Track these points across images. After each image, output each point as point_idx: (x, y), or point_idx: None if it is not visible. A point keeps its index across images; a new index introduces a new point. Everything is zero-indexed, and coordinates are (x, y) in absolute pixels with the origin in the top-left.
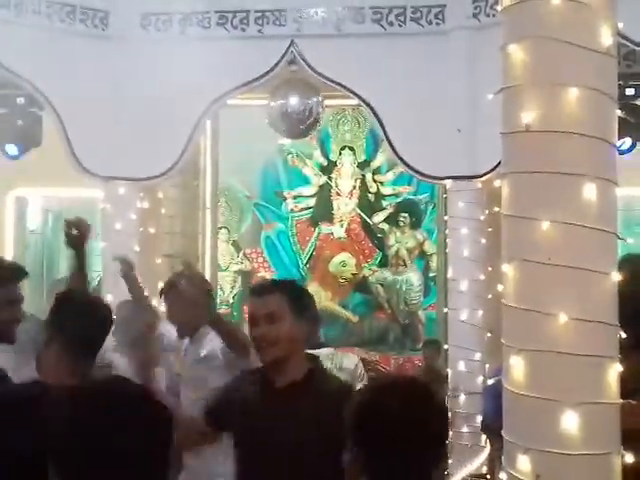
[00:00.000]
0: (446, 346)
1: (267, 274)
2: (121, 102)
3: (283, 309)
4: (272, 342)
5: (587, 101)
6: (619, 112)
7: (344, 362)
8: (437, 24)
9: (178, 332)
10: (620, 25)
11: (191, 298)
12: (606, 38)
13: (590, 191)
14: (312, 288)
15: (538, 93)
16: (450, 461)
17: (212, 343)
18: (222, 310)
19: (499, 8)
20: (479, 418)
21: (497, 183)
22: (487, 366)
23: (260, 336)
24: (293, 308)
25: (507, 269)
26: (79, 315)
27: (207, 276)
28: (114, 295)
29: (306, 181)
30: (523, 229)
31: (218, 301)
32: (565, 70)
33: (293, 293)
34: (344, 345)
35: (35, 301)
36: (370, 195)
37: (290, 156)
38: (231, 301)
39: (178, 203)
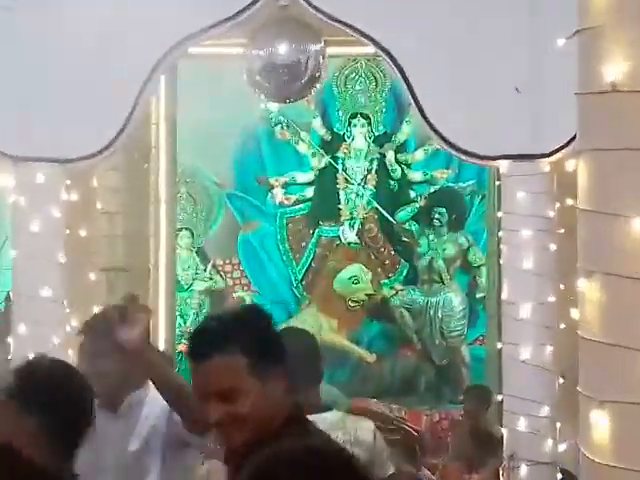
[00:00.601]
0: (500, 396)
1: (246, 295)
2: (39, 55)
3: (242, 379)
4: (236, 426)
5: None
6: None
7: (359, 432)
8: None
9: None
10: None
11: (124, 352)
12: None
13: None
14: (310, 315)
15: (628, 37)
16: None
17: (149, 421)
18: (183, 347)
19: None
20: None
21: (571, 165)
22: (559, 425)
23: (217, 420)
24: (261, 370)
25: (585, 288)
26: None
27: (162, 298)
28: (27, 324)
29: (301, 163)
30: (608, 230)
31: (177, 333)
32: None
33: (258, 344)
34: (355, 395)
35: None
36: (392, 183)
37: (279, 127)
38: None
39: (120, 195)
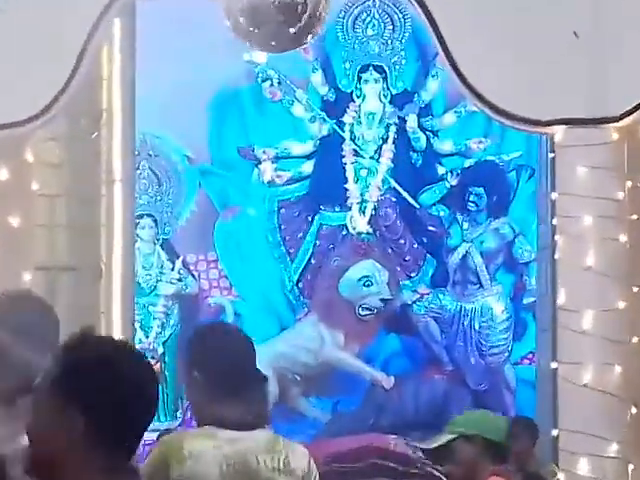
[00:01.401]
0: (554, 431)
1: (226, 299)
2: None
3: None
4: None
5: None
6: None
7: (290, 458)
8: None
9: None
10: None
11: None
12: None
13: None
14: (308, 326)
15: None
16: None
17: None
18: None
19: None
20: None
21: None
22: (631, 468)
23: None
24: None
25: None
26: None
27: (117, 304)
28: None
29: (297, 130)
30: None
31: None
32: None
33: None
34: (369, 430)
35: None
36: (414, 155)
37: (267, 84)
38: (160, 350)
39: (63, 172)
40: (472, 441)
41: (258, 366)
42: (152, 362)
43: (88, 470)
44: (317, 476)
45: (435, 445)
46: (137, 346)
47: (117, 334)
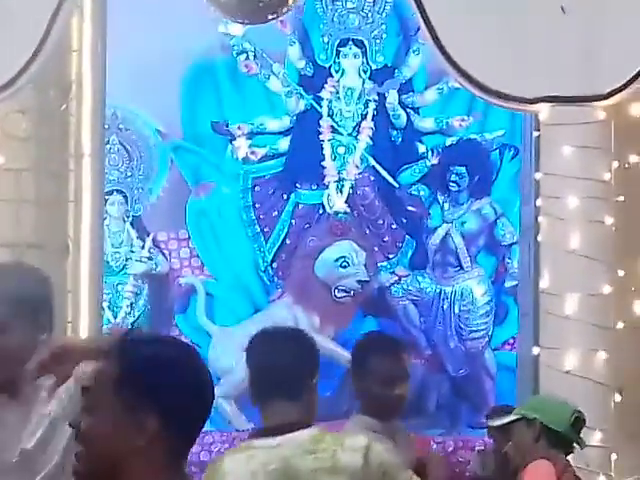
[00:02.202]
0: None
1: (198, 279)
2: None
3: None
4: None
5: None
6: None
7: (340, 455)
8: None
9: None
10: None
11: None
12: None
13: None
14: (283, 308)
15: None
16: None
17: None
18: None
19: None
20: None
21: (637, 110)
22: (614, 458)
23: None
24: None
25: None
26: None
27: (84, 283)
28: None
29: (273, 105)
30: None
31: (105, 330)
32: None
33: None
34: (344, 417)
35: None
36: (394, 132)
37: (242, 57)
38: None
39: (30, 146)
40: (531, 425)
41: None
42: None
43: (155, 473)
44: (381, 464)
45: (499, 423)
46: (104, 327)
47: (84, 314)
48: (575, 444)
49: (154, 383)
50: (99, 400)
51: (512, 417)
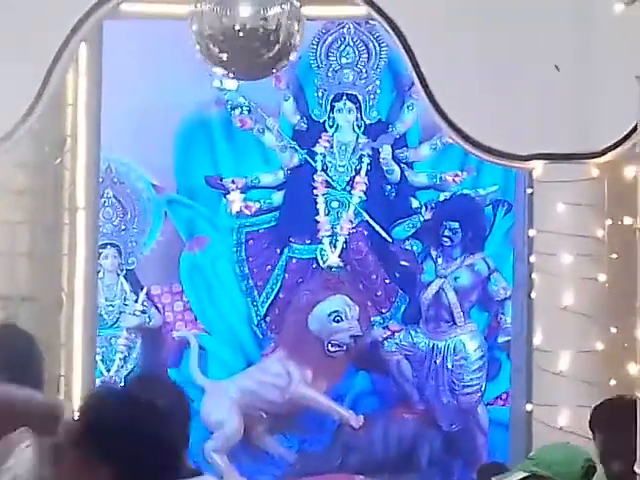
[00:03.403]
0: None
1: (191, 333)
2: None
3: None
4: None
5: None
6: None
7: None
8: None
9: None
10: None
11: None
12: None
13: None
14: (275, 362)
15: None
16: None
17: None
18: None
19: None
20: None
21: (630, 171)
22: None
23: None
24: None
25: None
26: None
27: (78, 336)
28: None
29: (267, 159)
30: None
31: (98, 383)
32: None
33: None
34: (337, 470)
35: None
36: (388, 187)
37: (237, 112)
38: (122, 383)
39: (25, 199)
40: None
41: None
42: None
43: None
44: None
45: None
46: (97, 380)
47: (77, 366)
48: None
49: (109, 438)
50: (63, 452)
51: (522, 474)
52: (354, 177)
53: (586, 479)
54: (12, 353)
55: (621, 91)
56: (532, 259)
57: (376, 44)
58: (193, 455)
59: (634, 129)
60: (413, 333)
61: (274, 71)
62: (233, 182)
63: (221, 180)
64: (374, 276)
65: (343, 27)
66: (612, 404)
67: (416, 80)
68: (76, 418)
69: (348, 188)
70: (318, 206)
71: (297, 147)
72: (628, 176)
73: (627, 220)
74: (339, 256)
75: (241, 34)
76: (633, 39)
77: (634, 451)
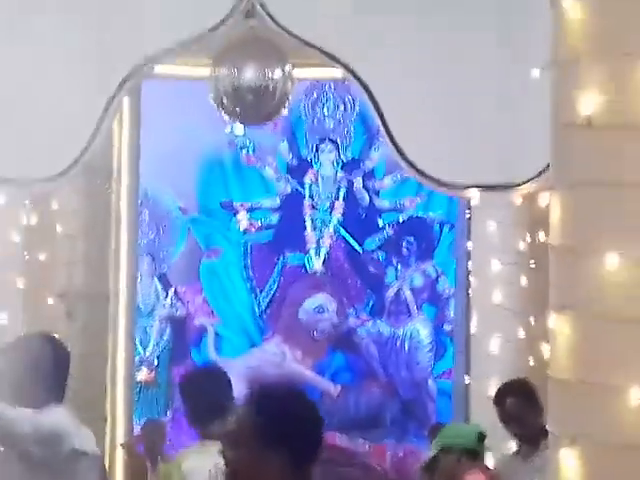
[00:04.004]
0: None
1: (209, 321)
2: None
3: None
4: None
5: None
6: None
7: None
8: None
9: None
10: None
11: None
12: None
13: None
14: (273, 345)
15: (605, 71)
16: None
17: None
18: (143, 375)
19: None
20: None
21: (544, 199)
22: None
23: None
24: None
25: (556, 324)
26: None
27: (121, 324)
28: None
29: (267, 188)
30: (580, 267)
31: (137, 360)
32: None
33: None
34: None
35: None
36: (360, 210)
37: (244, 151)
38: (155, 362)
39: (81, 218)
40: (450, 451)
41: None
42: (149, 371)
43: None
44: None
45: (426, 463)
46: (136, 358)
47: (121, 348)
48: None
49: (279, 428)
50: (240, 440)
51: (434, 452)
52: (334, 202)
53: (480, 442)
54: (50, 363)
55: (540, 137)
56: (469, 266)
57: (350, 99)
58: None
59: (547, 167)
60: (379, 323)
61: (272, 120)
62: (241, 205)
63: (232, 204)
64: (349, 279)
65: (325, 86)
66: (505, 387)
67: (381, 127)
68: (247, 415)
69: (329, 211)
70: (306, 224)
71: (290, 179)
72: (543, 203)
73: (542, 237)
74: (322, 263)
75: (248, 92)
76: (546, 96)
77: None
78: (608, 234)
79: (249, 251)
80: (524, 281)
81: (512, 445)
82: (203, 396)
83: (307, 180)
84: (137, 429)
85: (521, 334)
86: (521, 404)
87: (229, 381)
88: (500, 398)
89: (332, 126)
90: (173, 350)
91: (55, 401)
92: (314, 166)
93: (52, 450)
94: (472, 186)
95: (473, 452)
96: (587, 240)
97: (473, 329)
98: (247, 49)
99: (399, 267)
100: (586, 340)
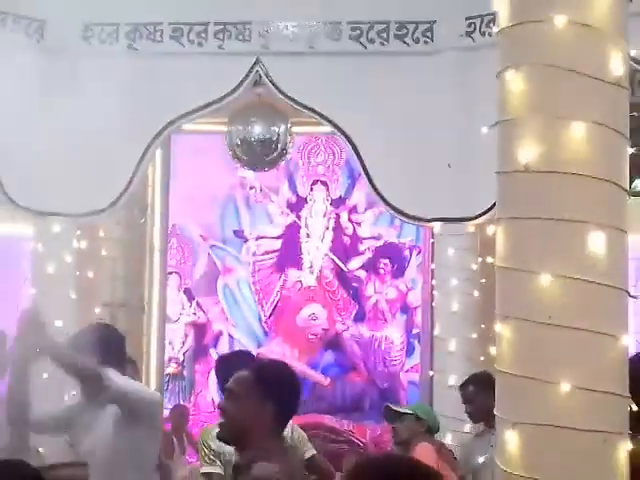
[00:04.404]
0: None
1: (224, 327)
2: (57, 125)
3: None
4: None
5: (594, 138)
6: (631, 150)
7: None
8: (425, 42)
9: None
10: (633, 52)
11: None
12: (617, 66)
13: (597, 241)
14: (276, 345)
15: (539, 128)
16: None
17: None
18: (172, 369)
19: (495, 29)
20: None
21: (491, 229)
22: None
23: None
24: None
25: (501, 329)
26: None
27: (154, 328)
28: None
29: (271, 220)
30: (519, 283)
31: (166, 358)
32: (570, 102)
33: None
34: (312, 412)
35: None
36: (345, 237)
37: (253, 191)
38: (181, 358)
39: (121, 243)
40: (420, 421)
41: None
42: (176, 366)
43: (267, 436)
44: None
45: (399, 410)
46: (166, 356)
47: (154, 348)
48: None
49: (269, 386)
50: (237, 393)
51: (409, 411)
52: (324, 232)
53: (438, 420)
54: (110, 345)
55: (488, 180)
56: (433, 282)
57: (338, 149)
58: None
59: (494, 204)
60: (361, 327)
61: (275, 166)
62: (250, 234)
63: (243, 232)
64: (337, 292)
65: (318, 139)
66: (470, 376)
67: (362, 171)
68: (248, 374)
69: (321, 238)
70: (302, 249)
71: (289, 212)
72: (490, 232)
73: (489, 259)
74: (315, 279)
75: (256, 144)
76: (493, 149)
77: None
78: (541, 257)
79: (256, 270)
80: (476, 294)
81: (468, 427)
82: (233, 372)
83: (303, 214)
84: (166, 412)
85: (474, 336)
86: (477, 390)
87: (253, 358)
88: (464, 384)
89: (323, 171)
90: (195, 349)
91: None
92: (309, 202)
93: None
94: (435, 219)
95: (430, 431)
96: (525, 262)
97: (436, 332)
98: (255, 110)
99: (377, 283)
100: (525, 342)
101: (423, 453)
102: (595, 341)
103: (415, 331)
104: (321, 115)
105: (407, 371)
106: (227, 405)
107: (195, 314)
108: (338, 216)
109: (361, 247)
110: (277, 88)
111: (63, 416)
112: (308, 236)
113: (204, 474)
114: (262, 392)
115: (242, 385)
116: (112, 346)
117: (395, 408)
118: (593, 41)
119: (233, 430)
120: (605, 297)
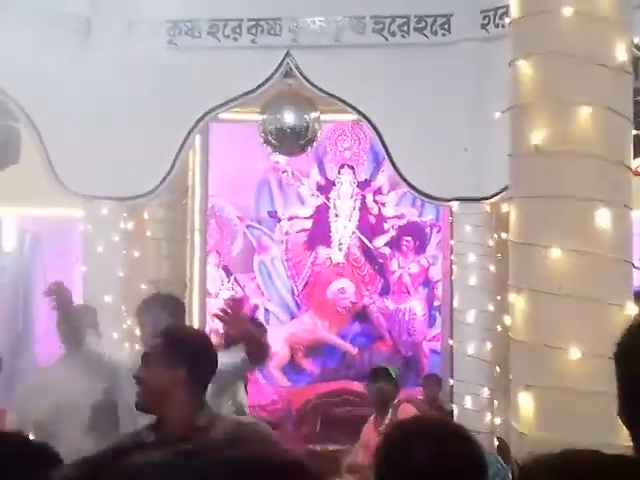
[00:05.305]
0: (451, 381)
1: (259, 301)
2: (104, 115)
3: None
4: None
5: (600, 121)
6: (635, 131)
7: None
8: (443, 35)
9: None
10: (636, 39)
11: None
12: (621, 53)
13: (604, 217)
14: (307, 317)
15: (548, 112)
16: None
17: None
18: (212, 339)
19: (507, 21)
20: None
21: (506, 208)
22: (496, 403)
23: None
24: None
25: (515, 300)
26: None
27: (195, 303)
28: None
29: (302, 202)
30: (531, 257)
31: (207, 330)
32: (577, 88)
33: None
34: (342, 378)
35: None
36: (371, 217)
37: (285, 174)
38: (221, 331)
39: (165, 225)
40: (396, 385)
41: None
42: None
43: (185, 402)
44: None
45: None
46: (207, 327)
47: (195, 321)
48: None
49: (182, 351)
50: (151, 360)
51: (394, 377)
52: (352, 212)
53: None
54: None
55: (503, 161)
56: (452, 258)
57: (363, 135)
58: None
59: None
60: (386, 300)
61: (306, 151)
62: (283, 214)
63: (277, 213)
64: (363, 267)
65: (344, 126)
66: None
67: (385, 155)
68: (161, 340)
69: (348, 218)
70: (331, 228)
71: (319, 194)
72: (504, 210)
73: (504, 235)
74: (343, 256)
75: (288, 131)
76: (506, 132)
77: None
78: (551, 233)
79: (289, 248)
80: (492, 268)
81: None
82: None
83: (332, 196)
84: None
85: (491, 308)
86: None
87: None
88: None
89: (349, 155)
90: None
91: None
92: (337, 185)
93: None
94: (453, 199)
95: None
96: (536, 237)
97: (455, 304)
98: (286, 100)
99: (400, 259)
100: (537, 312)
101: (410, 411)
102: (602, 310)
103: (436, 303)
104: (347, 103)
105: (429, 340)
106: (140, 372)
107: (233, 289)
108: (364, 197)
109: (385, 226)
110: (306, 79)
111: None
112: (337, 216)
113: None
114: (174, 357)
115: (155, 350)
116: (178, 315)
117: (391, 371)
118: (598, 30)
119: (148, 397)
120: (611, 269)
